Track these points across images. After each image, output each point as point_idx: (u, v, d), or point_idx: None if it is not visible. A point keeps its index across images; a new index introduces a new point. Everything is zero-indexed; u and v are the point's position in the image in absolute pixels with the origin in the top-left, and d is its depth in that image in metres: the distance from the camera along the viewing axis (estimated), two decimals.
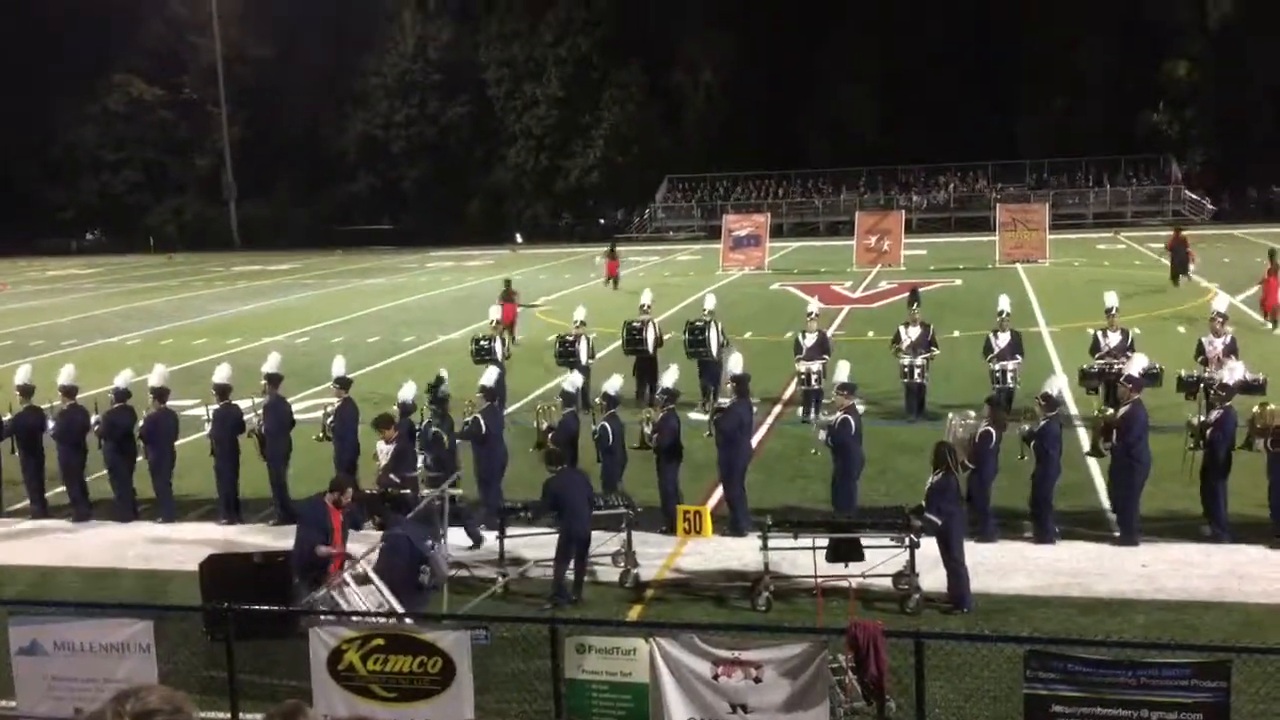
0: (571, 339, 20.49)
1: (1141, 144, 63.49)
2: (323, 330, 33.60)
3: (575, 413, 15.12)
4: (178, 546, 14.68)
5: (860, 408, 14.99)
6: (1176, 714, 7.78)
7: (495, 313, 22.51)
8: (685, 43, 70.83)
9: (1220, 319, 18.02)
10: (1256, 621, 11.10)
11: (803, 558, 11.85)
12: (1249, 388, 15.03)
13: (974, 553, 12.44)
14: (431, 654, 8.96)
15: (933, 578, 11.85)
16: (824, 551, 11.82)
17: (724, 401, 15.25)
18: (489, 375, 16.08)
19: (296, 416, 16.60)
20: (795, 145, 68.89)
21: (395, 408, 15.21)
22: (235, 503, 15.87)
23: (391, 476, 13.57)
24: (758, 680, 8.54)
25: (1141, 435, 13.52)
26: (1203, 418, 13.90)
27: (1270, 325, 26.74)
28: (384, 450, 14.19)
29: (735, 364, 15.80)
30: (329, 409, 16.28)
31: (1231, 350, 17.10)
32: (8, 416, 16.49)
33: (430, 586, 10.89)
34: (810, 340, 19.64)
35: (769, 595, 11.88)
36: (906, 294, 22.60)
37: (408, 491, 12.67)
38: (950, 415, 14.58)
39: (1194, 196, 61.22)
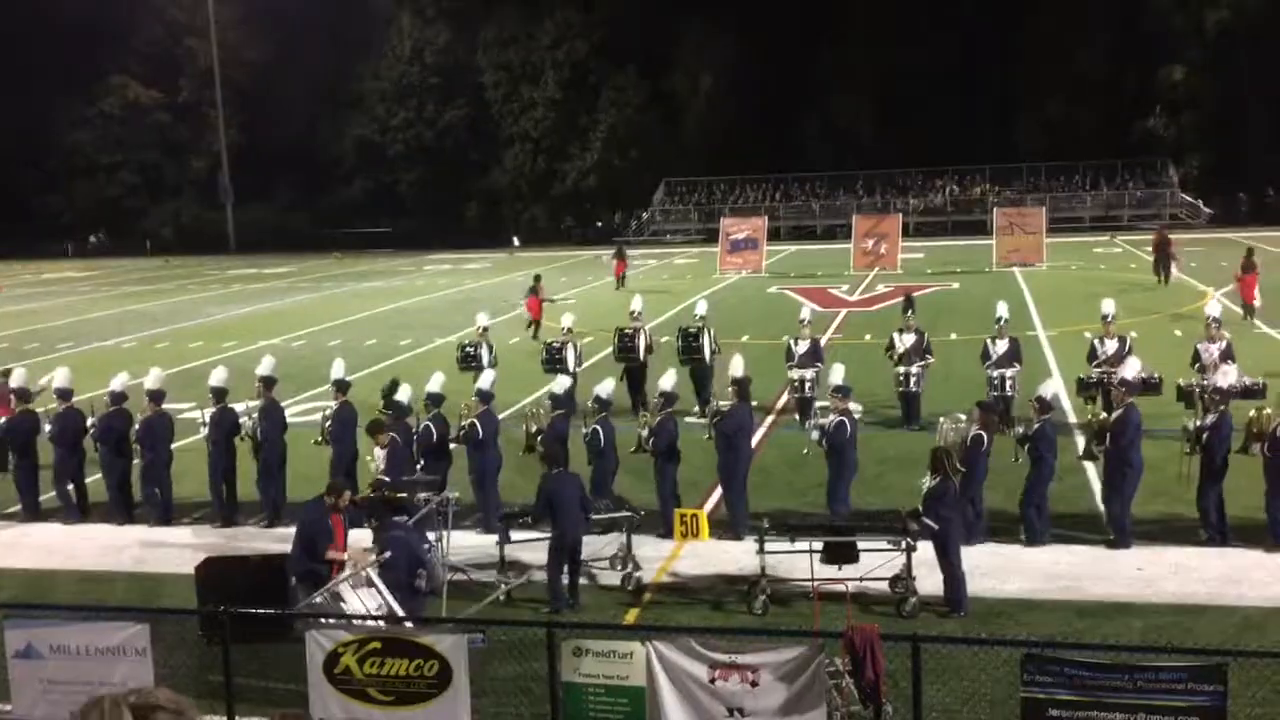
0: (559, 346, 20.27)
1: (1138, 148, 63.58)
2: (319, 334, 33.57)
3: (565, 415, 15.09)
4: (173, 549, 14.67)
5: (856, 409, 14.99)
6: (1173, 718, 7.77)
7: (483, 319, 22.09)
8: (683, 46, 70.87)
9: (1215, 324, 17.99)
10: (1254, 625, 11.11)
11: (800, 561, 11.84)
12: (1249, 392, 15.00)
13: (970, 556, 12.43)
14: (428, 657, 8.94)
15: (930, 581, 11.85)
16: (820, 555, 11.81)
17: (724, 404, 15.24)
18: (485, 379, 16.07)
19: (294, 420, 16.60)
20: (793, 149, 68.91)
21: (383, 412, 15.24)
22: (231, 506, 15.86)
23: (383, 479, 13.54)
24: (754, 684, 8.52)
25: (1135, 439, 13.53)
26: (1199, 422, 13.90)
27: (1249, 319, 27.08)
28: (379, 455, 14.19)
29: (736, 367, 15.79)
30: (327, 412, 16.27)
31: (1228, 355, 17.04)
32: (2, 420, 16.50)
33: (426, 591, 10.87)
34: (803, 348, 19.46)
35: (765, 599, 11.88)
36: (902, 299, 22.34)
37: (404, 495, 12.64)
38: (941, 419, 14.60)
39: (1190, 200, 61.29)
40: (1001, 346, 18.46)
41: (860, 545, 11.79)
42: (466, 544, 14.06)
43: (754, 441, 15.90)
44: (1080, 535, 13.70)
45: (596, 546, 13.00)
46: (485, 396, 15.47)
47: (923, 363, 19.09)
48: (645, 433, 14.93)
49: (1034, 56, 64.28)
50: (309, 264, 61.36)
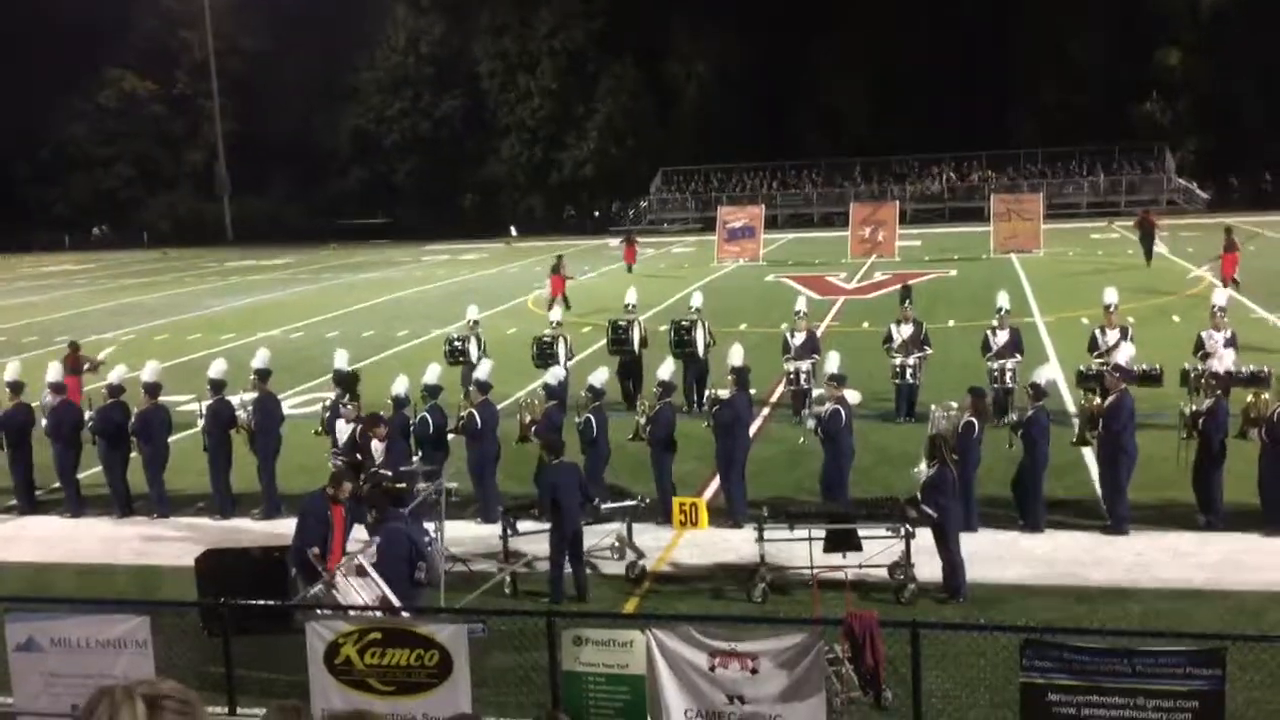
0: (549, 340, 19.99)
1: (1135, 133, 63.47)
2: (317, 325, 33.57)
3: (560, 405, 15.09)
4: (172, 542, 14.68)
5: (854, 397, 14.97)
6: (1172, 702, 7.80)
7: (473, 313, 21.45)
8: (679, 34, 70.72)
9: (1221, 313, 17.77)
10: (1251, 609, 11.14)
11: (798, 549, 11.87)
12: (1255, 379, 14.95)
13: (967, 543, 12.45)
14: (429, 647, 8.96)
15: (929, 568, 11.87)
16: (820, 543, 11.84)
17: (722, 393, 15.25)
18: (483, 369, 16.08)
19: (293, 411, 16.61)
20: (790, 137, 68.82)
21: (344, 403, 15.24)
22: (229, 498, 15.87)
23: (384, 472, 13.56)
24: (754, 671, 8.55)
25: (1128, 424, 13.56)
26: (1195, 408, 13.90)
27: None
28: (377, 448, 14.21)
29: (735, 355, 15.80)
30: (327, 403, 16.28)
31: (1231, 344, 16.92)
32: None
33: (425, 584, 10.88)
34: (799, 340, 19.26)
35: (765, 586, 11.90)
36: (899, 290, 22.14)
37: (404, 485, 12.65)
38: (933, 407, 14.64)
39: (1187, 185, 61.25)
40: (1002, 337, 18.33)
41: (860, 533, 11.81)
42: (466, 535, 14.08)
43: (751, 431, 15.91)
44: (1079, 522, 13.72)
45: (597, 536, 13.02)
46: (483, 387, 15.48)
47: (920, 354, 18.92)
48: (643, 420, 14.96)
49: (1030, 42, 64.16)
50: (306, 255, 61.31)
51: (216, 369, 16.41)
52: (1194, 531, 13.22)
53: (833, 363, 15.26)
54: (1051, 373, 15.01)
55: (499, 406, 15.92)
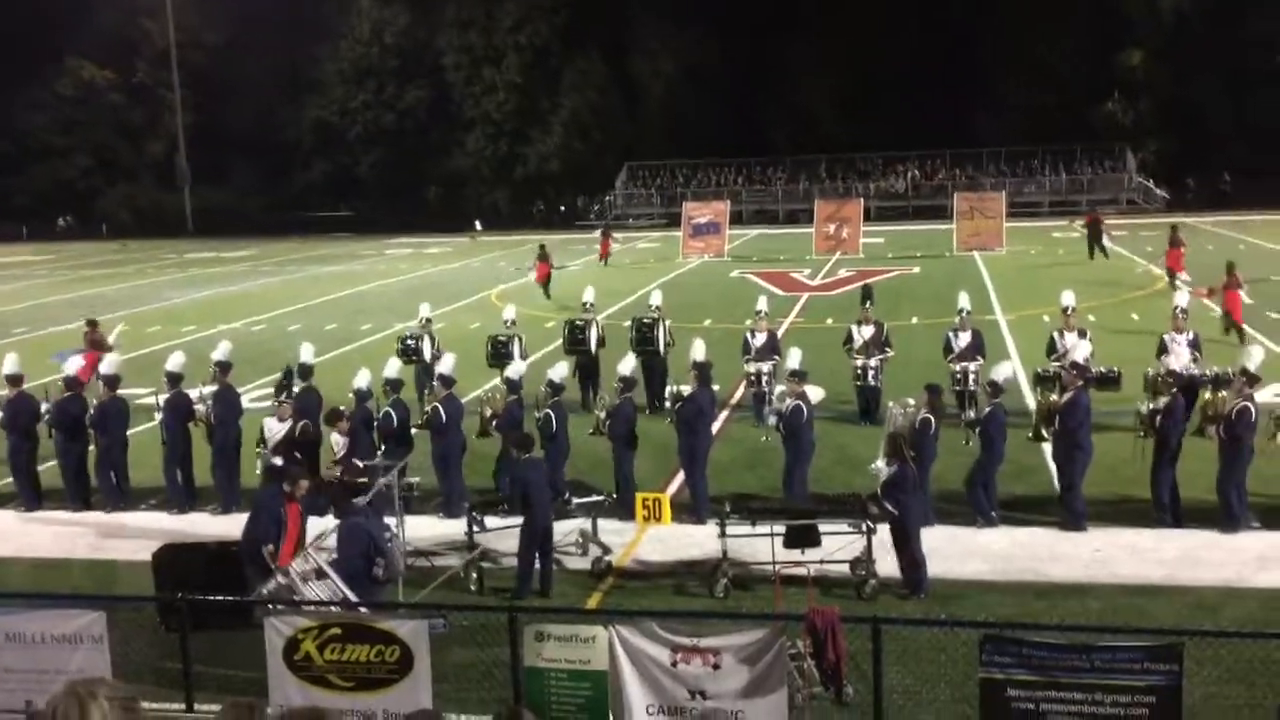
0: (504, 340, 19.44)
1: (1097, 133, 64.07)
2: (279, 318, 33.30)
3: (520, 400, 15.02)
4: (129, 536, 14.51)
5: (817, 393, 15.03)
6: (1130, 697, 7.86)
7: (425, 311, 21.01)
8: (645, 30, 70.69)
9: (1183, 315, 17.70)
10: (1208, 605, 11.26)
11: (761, 545, 11.88)
12: (1218, 382, 15.05)
13: (925, 538, 12.53)
14: (389, 643, 8.89)
15: (890, 563, 11.92)
16: (781, 538, 11.86)
17: (684, 389, 15.25)
18: (446, 363, 15.99)
19: (254, 405, 16.46)
20: (755, 133, 68.97)
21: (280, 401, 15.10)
22: (188, 492, 15.70)
23: (355, 463, 13.43)
24: (716, 667, 8.54)
25: (1084, 421, 13.69)
26: (1151, 405, 14.03)
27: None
28: (339, 443, 14.12)
29: (697, 351, 15.81)
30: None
31: (1195, 346, 16.98)
32: None
33: (385, 580, 10.79)
34: (759, 340, 18.82)
35: (727, 582, 11.91)
36: (860, 290, 21.58)
37: (365, 480, 12.56)
38: (890, 404, 14.68)
39: (1147, 185, 61.89)
40: (964, 339, 18.11)
41: (821, 528, 11.84)
42: (429, 530, 14.00)
43: (714, 428, 15.92)
44: (1037, 518, 13.81)
45: (560, 531, 12.97)
46: (447, 381, 15.40)
47: (882, 356, 18.66)
48: (603, 414, 14.95)
49: (994, 42, 64.66)
50: (268, 247, 60.80)
51: (174, 362, 16.25)
52: (1152, 528, 13.34)
53: (794, 359, 15.30)
54: (1009, 370, 15.04)
55: (462, 401, 15.83)
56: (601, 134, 71.72)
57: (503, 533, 12.59)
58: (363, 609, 9.89)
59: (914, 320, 27.33)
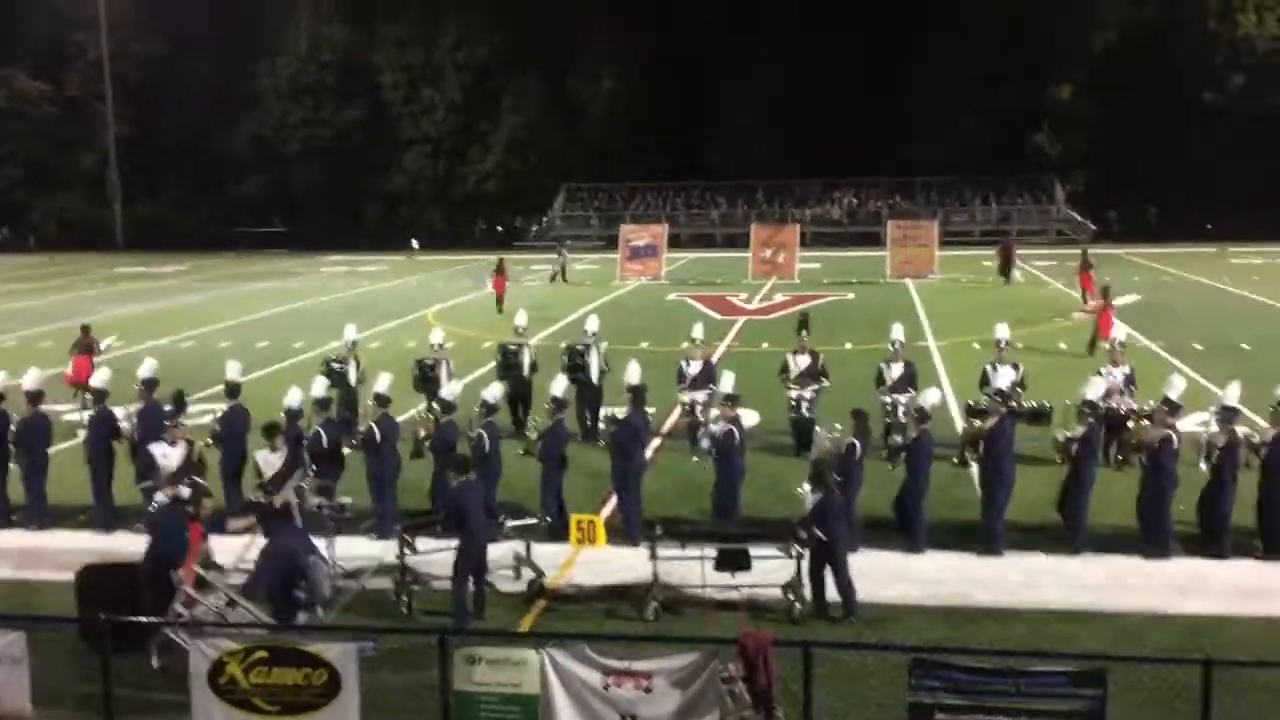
0: (430, 363, 18.92)
1: (1028, 164, 65.32)
2: (209, 335, 32.82)
3: (454, 421, 14.90)
4: (52, 555, 14.16)
5: (751, 418, 15.10)
6: None
7: (351, 333, 20.20)
8: (585, 52, 70.87)
9: (1120, 348, 17.86)
10: (1132, 631, 11.44)
11: (694, 568, 11.90)
12: (1137, 415, 15.27)
13: (855, 563, 12.64)
14: (316, 666, 8.79)
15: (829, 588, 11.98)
16: (713, 562, 11.89)
17: (619, 412, 15.25)
18: (382, 382, 15.85)
19: (183, 422, 16.14)
20: (693, 157, 69.37)
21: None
22: (111, 510, 15.38)
23: (296, 485, 13.20)
24: (648, 690, 8.54)
25: (1007, 448, 13.92)
26: (1069, 434, 14.28)
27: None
28: (266, 460, 13.82)
29: (632, 374, 15.81)
30: (217, 415, 15.91)
31: (1131, 381, 17.05)
32: None
33: (310, 603, 10.64)
34: (694, 369, 18.41)
35: (657, 605, 11.90)
36: (796, 319, 20.93)
37: (295, 501, 12.38)
38: (818, 429, 14.80)
39: (1075, 216, 63.14)
40: (896, 370, 17.80)
41: (752, 553, 11.88)
42: (361, 551, 13.83)
43: (648, 452, 15.90)
44: (963, 543, 13.91)
45: (494, 554, 12.83)
46: (383, 400, 15.27)
47: (817, 386, 18.22)
48: (534, 436, 14.91)
49: (929, 73, 65.58)
50: (200, 263, 59.95)
51: (99, 378, 15.97)
52: (1078, 554, 13.55)
53: (727, 383, 15.36)
54: (937, 397, 15.19)
55: (397, 421, 15.69)
56: (540, 155, 71.71)
57: (434, 555, 12.46)
58: (291, 631, 9.76)
59: (848, 346, 27.61)
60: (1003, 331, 18.52)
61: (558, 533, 14.01)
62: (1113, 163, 63.54)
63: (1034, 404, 16.54)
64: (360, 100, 75.50)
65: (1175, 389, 14.46)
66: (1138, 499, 13.70)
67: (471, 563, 11.88)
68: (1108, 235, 60.26)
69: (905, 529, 13.86)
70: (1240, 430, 14.08)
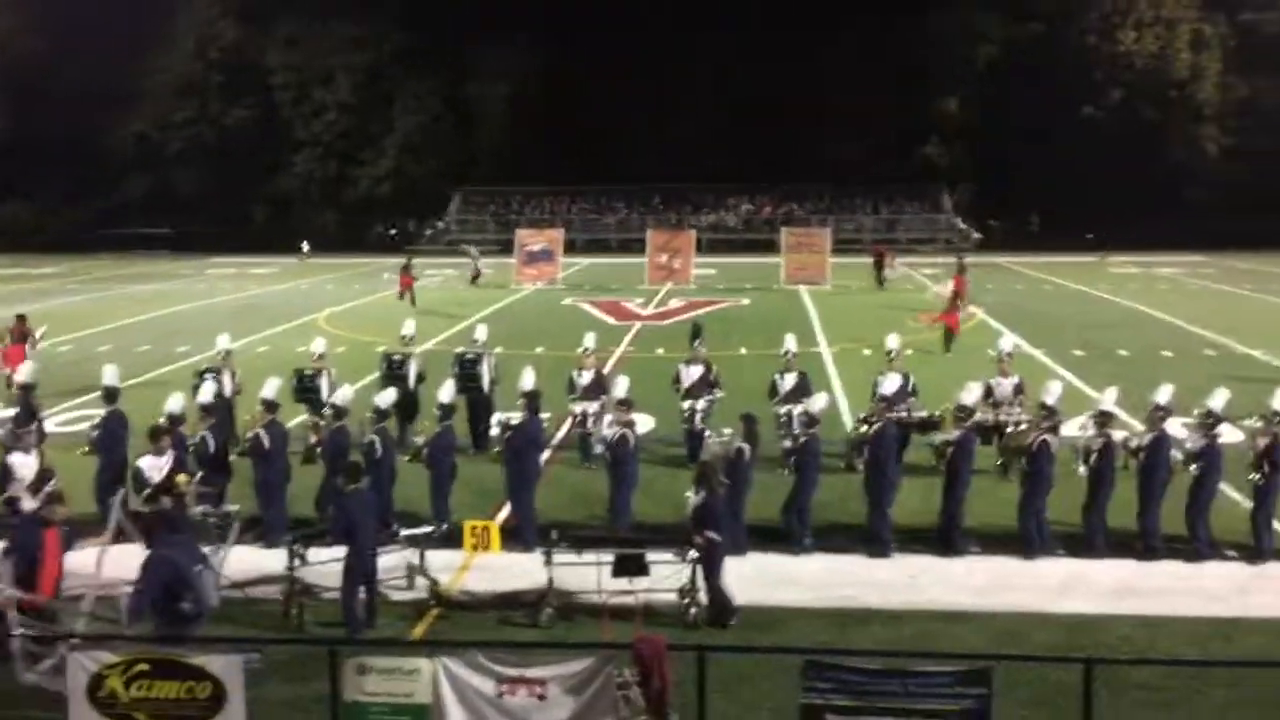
0: (311, 374, 18.18)
1: (917, 175, 66.77)
2: (87, 338, 31.81)
3: (345, 427, 14.65)
4: None
5: (647, 422, 15.13)
6: None
7: (224, 342, 19.68)
8: (480, 55, 70.44)
9: (1008, 358, 18.05)
10: (1014, 630, 11.72)
11: (589, 574, 11.87)
12: (1016, 423, 15.57)
13: (744, 566, 12.79)
14: (200, 679, 8.55)
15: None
16: (609, 567, 11.88)
17: (514, 418, 15.16)
18: (269, 388, 15.52)
19: (57, 429, 15.66)
20: (589, 162, 69.40)
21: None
22: None
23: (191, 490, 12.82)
24: (542, 698, 8.49)
25: (892, 452, 14.18)
26: (945, 438, 14.59)
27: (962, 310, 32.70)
28: (152, 464, 13.43)
29: (527, 380, 15.71)
30: (95, 421, 15.42)
31: (1020, 391, 17.20)
32: None
33: (194, 615, 10.35)
34: (586, 379, 18.03)
35: (552, 611, 11.84)
36: (691, 324, 20.85)
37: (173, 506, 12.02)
38: (706, 433, 14.87)
39: (961, 225, 64.71)
40: (790, 380, 17.60)
41: (648, 557, 11.89)
42: (248, 560, 13.49)
43: (542, 460, 15.80)
44: (852, 546, 14.08)
45: (387, 563, 12.62)
46: (271, 406, 14.95)
47: (710, 397, 17.82)
48: (420, 441, 14.74)
49: (822, 83, 66.74)
50: (79, 264, 58.11)
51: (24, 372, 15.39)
52: (963, 556, 13.84)
53: (621, 387, 15.35)
54: (824, 401, 15.37)
55: (286, 427, 15.37)
56: (435, 158, 71.07)
57: (325, 566, 12.21)
58: (174, 643, 9.48)
59: (743, 351, 27.87)
60: (893, 342, 18.71)
61: (451, 539, 13.86)
62: (997, 173, 65.33)
63: (924, 414, 16.84)
64: (249, 100, 74.00)
65: (1052, 394, 14.89)
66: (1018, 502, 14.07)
67: (360, 572, 11.68)
68: (997, 243, 61.86)
69: (795, 532, 14.00)
70: (1119, 434, 14.54)
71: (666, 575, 11.89)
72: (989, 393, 17.20)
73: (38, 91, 72.95)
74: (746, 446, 13.83)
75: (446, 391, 15.34)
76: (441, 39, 69.66)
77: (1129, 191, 63.69)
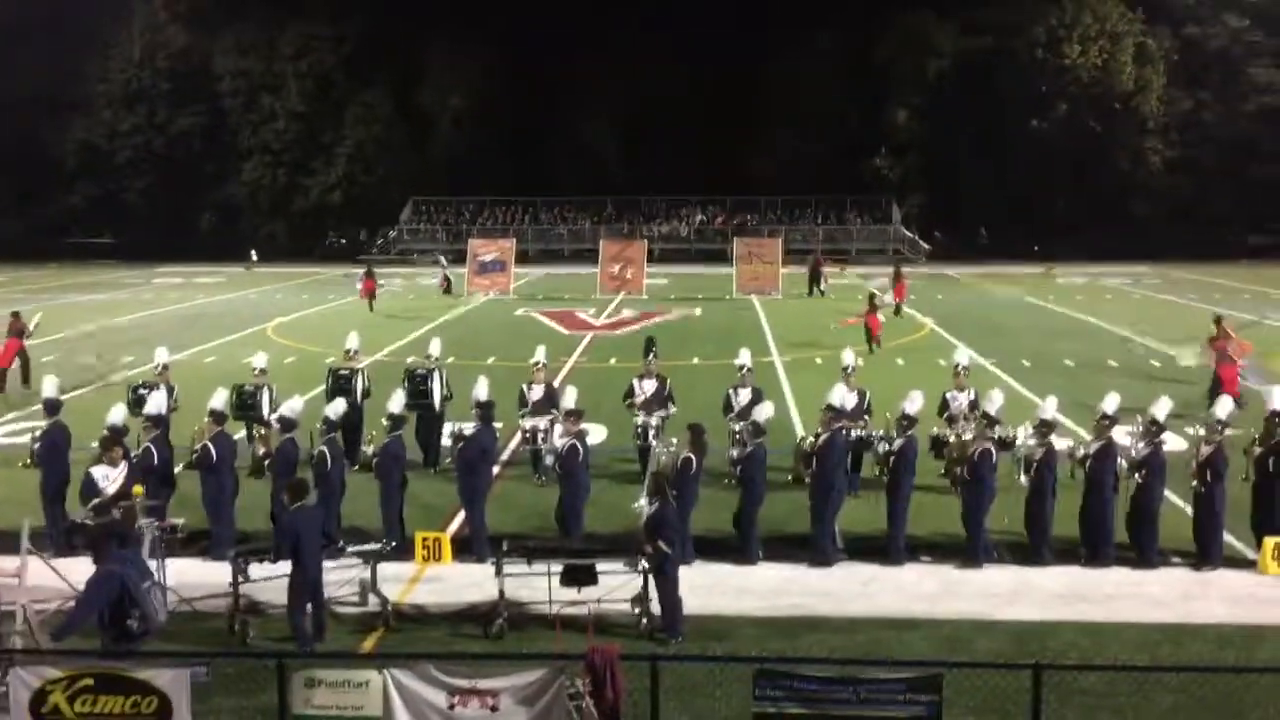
0: (251, 390, 17.68)
1: (867, 186, 67.30)
2: (31, 349, 31.21)
3: (294, 439, 14.49)
4: None
5: (598, 434, 15.11)
6: None
7: (163, 356, 19.40)
8: (432, 65, 70.14)
9: (964, 372, 17.89)
10: (963, 636, 11.85)
11: (541, 584, 11.83)
12: (1004, 445, 15.60)
13: (695, 576, 12.81)
14: (146, 693, 8.43)
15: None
16: (559, 578, 11.85)
17: (467, 428, 15.09)
18: (218, 398, 15.36)
19: (3, 440, 15.39)
20: (541, 172, 69.34)
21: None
22: None
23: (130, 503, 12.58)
24: (494, 709, 8.46)
25: (840, 461, 14.30)
26: (888, 447, 14.71)
27: (898, 314, 36.42)
28: (106, 475, 13.18)
29: (481, 390, 15.61)
30: (36, 433, 15.16)
31: (975, 405, 16.90)
32: None
33: (141, 633, 10.19)
34: (536, 393, 17.61)
35: (503, 622, 11.79)
36: (644, 338, 20.50)
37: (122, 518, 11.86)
38: (655, 443, 14.87)
39: (911, 236, 65.31)
40: (745, 396, 17.22)
41: (598, 568, 11.88)
42: (193, 573, 13.32)
43: (494, 470, 15.73)
44: (803, 555, 14.14)
45: (336, 578, 12.44)
46: (219, 417, 14.80)
47: (663, 413, 17.36)
48: (371, 450, 14.64)
49: (772, 94, 67.17)
50: (20, 274, 57.12)
51: None
52: (911, 564, 13.95)
53: (570, 398, 15.32)
54: (771, 410, 15.40)
55: (234, 439, 15.20)
56: (386, 168, 70.65)
57: (271, 581, 12.02)
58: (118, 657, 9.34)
59: (695, 361, 27.95)
60: (849, 357, 18.30)
61: (401, 551, 13.77)
62: (946, 185, 65.98)
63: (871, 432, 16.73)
64: (197, 107, 73.09)
65: (994, 403, 15.05)
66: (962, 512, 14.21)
67: (305, 593, 11.51)
68: (947, 255, 62.45)
69: (744, 542, 14.02)
70: (1064, 443, 14.73)
71: (617, 585, 11.89)
72: (944, 407, 17.23)
73: None
74: (693, 457, 13.83)
75: (396, 402, 15.24)
76: (393, 47, 69.23)
77: (1075, 203, 64.65)
